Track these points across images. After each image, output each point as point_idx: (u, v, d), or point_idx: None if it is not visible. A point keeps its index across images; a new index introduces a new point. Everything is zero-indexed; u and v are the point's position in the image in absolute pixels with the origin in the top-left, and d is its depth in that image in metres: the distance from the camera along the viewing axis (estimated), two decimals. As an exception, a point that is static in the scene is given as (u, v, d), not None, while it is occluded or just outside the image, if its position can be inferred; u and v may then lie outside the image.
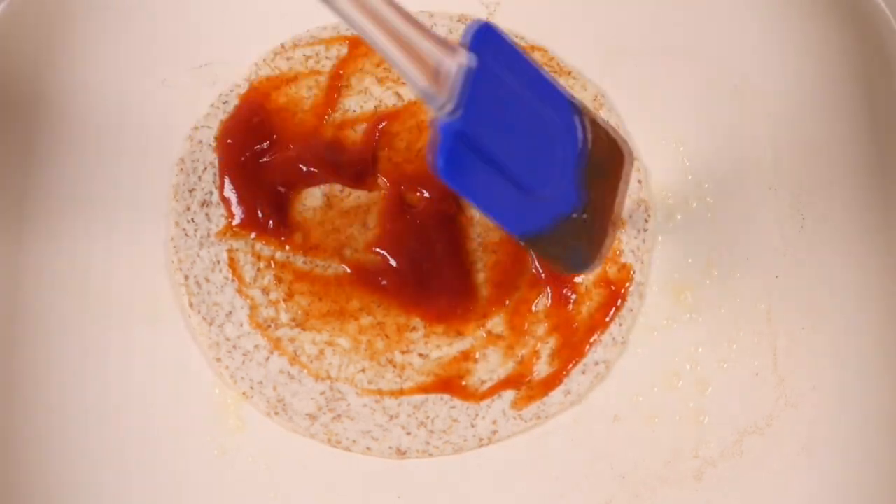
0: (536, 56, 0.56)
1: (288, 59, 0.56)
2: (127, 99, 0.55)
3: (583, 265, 0.50)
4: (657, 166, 0.55)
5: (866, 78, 0.55)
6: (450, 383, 0.52)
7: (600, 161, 0.48)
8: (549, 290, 0.53)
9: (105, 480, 0.51)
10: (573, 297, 0.53)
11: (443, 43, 0.41)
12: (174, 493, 0.51)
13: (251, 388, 0.52)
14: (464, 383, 0.52)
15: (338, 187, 0.54)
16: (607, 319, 0.52)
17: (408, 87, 0.41)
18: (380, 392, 0.52)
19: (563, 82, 0.56)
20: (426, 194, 0.54)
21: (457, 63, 0.41)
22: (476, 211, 0.54)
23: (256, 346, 0.52)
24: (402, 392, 0.52)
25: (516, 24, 0.57)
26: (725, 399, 0.52)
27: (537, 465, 0.51)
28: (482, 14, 0.57)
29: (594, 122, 0.48)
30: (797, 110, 0.55)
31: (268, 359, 0.52)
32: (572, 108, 0.47)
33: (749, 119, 0.55)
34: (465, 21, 0.57)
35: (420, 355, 0.52)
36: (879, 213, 0.53)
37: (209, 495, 0.51)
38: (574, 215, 0.47)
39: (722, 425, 0.51)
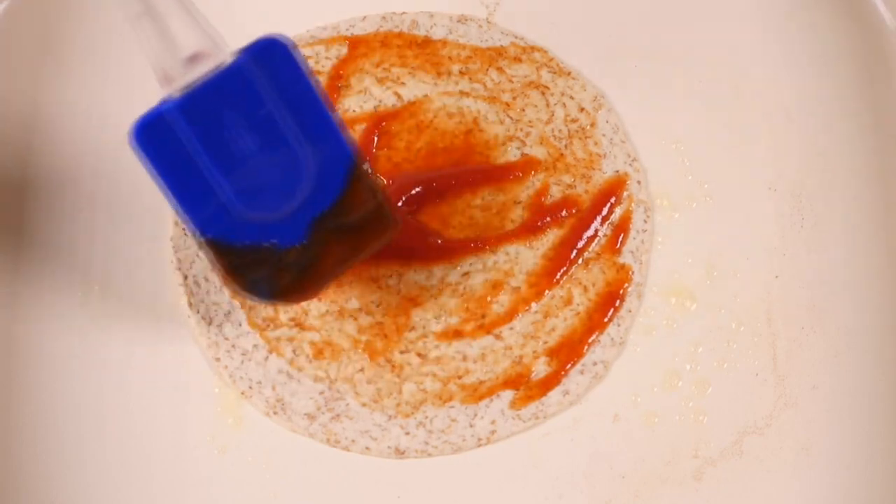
0: (536, 56, 0.56)
1: (287, 59, 0.56)
2: (127, 98, 0.55)
3: (265, 296, 0.48)
4: (657, 166, 0.55)
5: (866, 77, 0.55)
6: (449, 383, 0.52)
7: (353, 221, 0.47)
8: (548, 291, 0.53)
9: (105, 479, 0.51)
10: (572, 296, 0.53)
11: (214, 38, 0.42)
12: (173, 491, 0.51)
13: (250, 387, 0.52)
14: (462, 383, 0.52)
15: (337, 187, 0.54)
16: (605, 320, 0.52)
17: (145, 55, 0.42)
18: (378, 391, 0.52)
19: (562, 82, 0.56)
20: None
21: (216, 60, 0.42)
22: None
23: (255, 346, 0.52)
24: (400, 392, 0.52)
25: (516, 24, 0.57)
26: (725, 399, 0.51)
27: (536, 465, 0.51)
28: (482, 14, 0.57)
29: (366, 184, 0.47)
30: (797, 110, 0.55)
31: (267, 358, 0.52)
32: (348, 159, 0.46)
33: (749, 119, 0.55)
34: (464, 21, 0.57)
35: (418, 355, 0.52)
36: (879, 212, 0.53)
37: (208, 494, 0.51)
38: (290, 250, 0.46)
39: (722, 425, 0.51)
